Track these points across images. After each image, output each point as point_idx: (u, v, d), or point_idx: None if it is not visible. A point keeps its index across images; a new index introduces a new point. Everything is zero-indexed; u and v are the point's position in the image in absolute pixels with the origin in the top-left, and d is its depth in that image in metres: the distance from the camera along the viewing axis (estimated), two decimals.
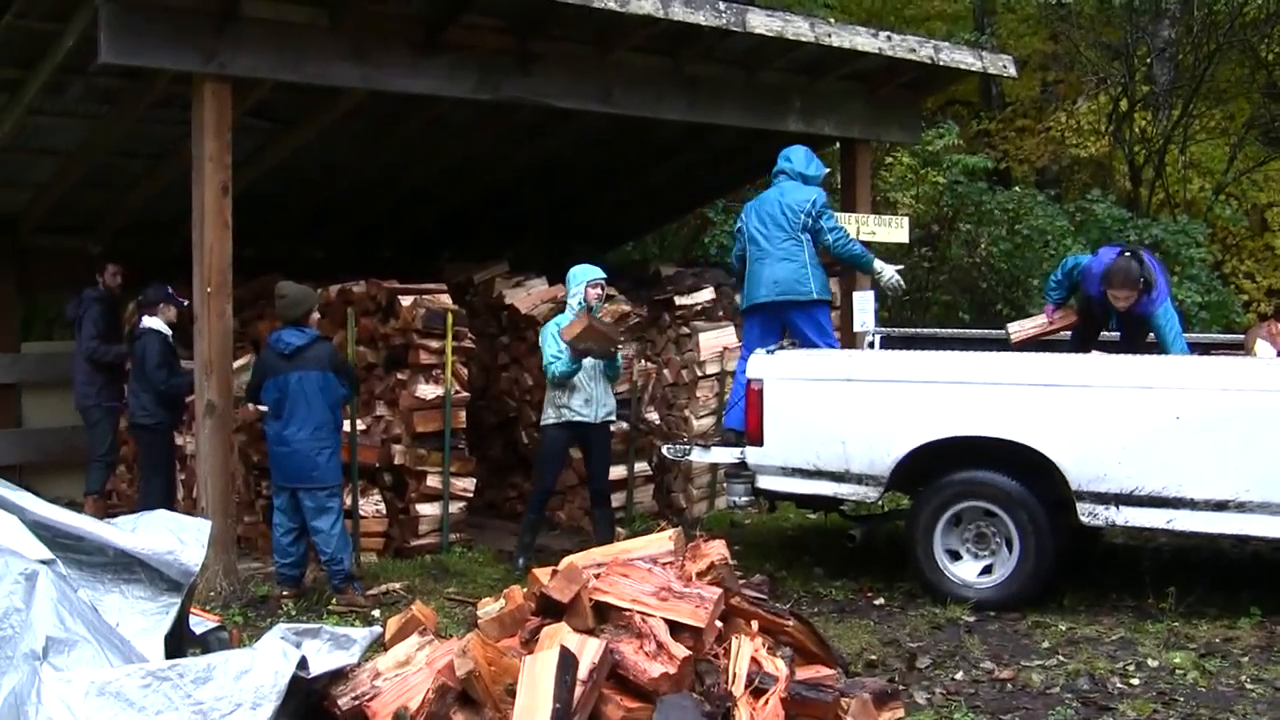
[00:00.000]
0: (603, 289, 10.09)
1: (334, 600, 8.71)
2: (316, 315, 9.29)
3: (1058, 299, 9.98)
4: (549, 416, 9.91)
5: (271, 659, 4.68)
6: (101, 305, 11.12)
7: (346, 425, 9.64)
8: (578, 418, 9.80)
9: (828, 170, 10.33)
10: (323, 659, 5.18)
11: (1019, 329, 10.24)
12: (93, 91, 9.93)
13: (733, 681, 5.19)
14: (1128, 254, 9.43)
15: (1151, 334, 9.31)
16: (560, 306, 10.69)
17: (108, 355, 10.92)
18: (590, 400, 9.81)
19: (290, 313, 8.97)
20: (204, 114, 8.73)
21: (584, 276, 9.92)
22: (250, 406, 9.59)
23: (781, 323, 9.76)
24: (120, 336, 10.93)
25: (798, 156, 9.98)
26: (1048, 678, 7.03)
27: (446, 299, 10.52)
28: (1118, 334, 9.76)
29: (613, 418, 10.12)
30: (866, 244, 11.14)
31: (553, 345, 9.70)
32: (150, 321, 10.28)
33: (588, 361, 9.71)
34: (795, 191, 9.79)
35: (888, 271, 9.88)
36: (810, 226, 9.60)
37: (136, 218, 12.30)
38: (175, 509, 9.53)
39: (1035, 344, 9.94)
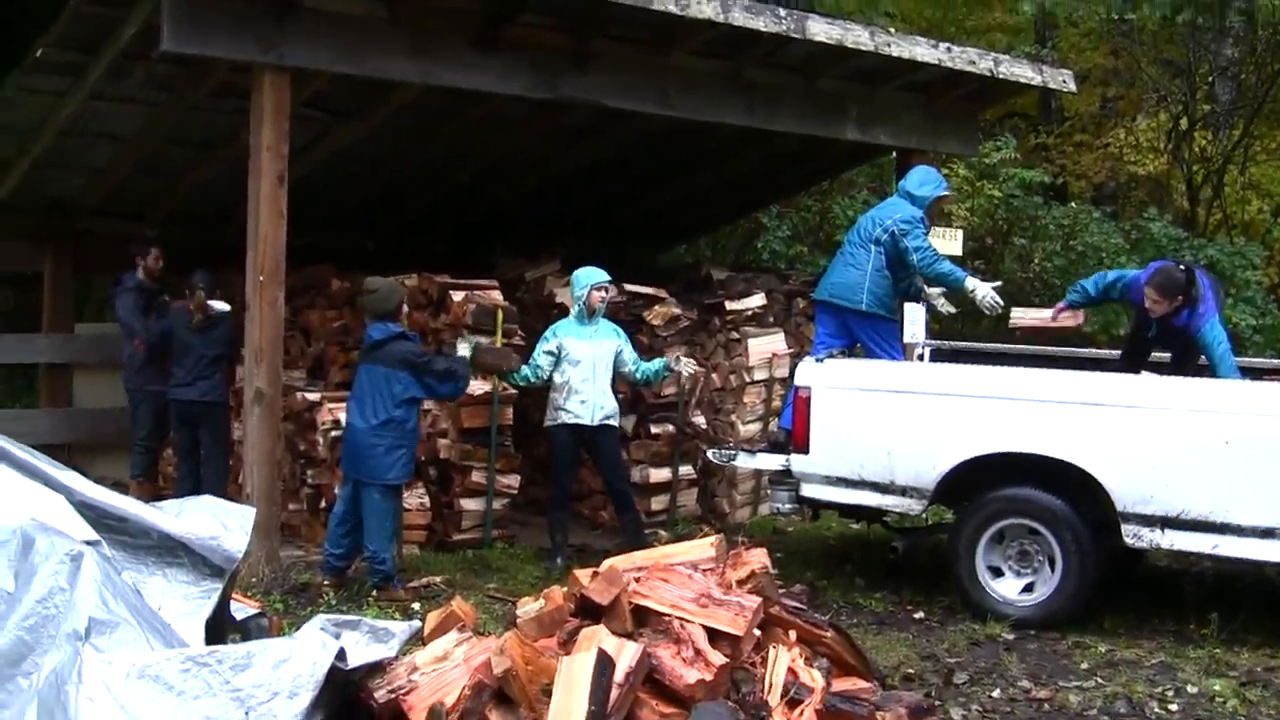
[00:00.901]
0: (608, 291, 10.13)
1: (374, 594, 8.74)
2: (405, 309, 9.35)
3: (1073, 301, 9.90)
4: (549, 418, 10.02)
5: (310, 649, 4.69)
6: (134, 294, 11.14)
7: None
8: (573, 419, 9.84)
9: (946, 193, 10.29)
10: (361, 651, 5.19)
11: (1021, 316, 10.16)
12: (152, 78, 9.99)
13: (769, 691, 5.17)
14: (1180, 266, 9.36)
15: (1203, 355, 9.23)
16: (611, 305, 10.69)
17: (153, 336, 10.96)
18: (586, 402, 9.84)
19: (379, 307, 9.04)
20: (262, 104, 8.80)
21: (589, 279, 9.96)
22: None
23: (849, 327, 9.79)
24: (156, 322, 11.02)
25: (913, 174, 10.10)
26: (1085, 699, 6.98)
27: (498, 295, 10.55)
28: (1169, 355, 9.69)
29: (612, 421, 10.11)
30: None
31: (538, 349, 9.95)
32: (221, 305, 10.39)
33: (587, 363, 9.82)
34: (888, 206, 9.96)
35: (981, 289, 9.70)
36: (885, 242, 9.58)
37: (183, 207, 12.39)
38: (226, 493, 9.63)
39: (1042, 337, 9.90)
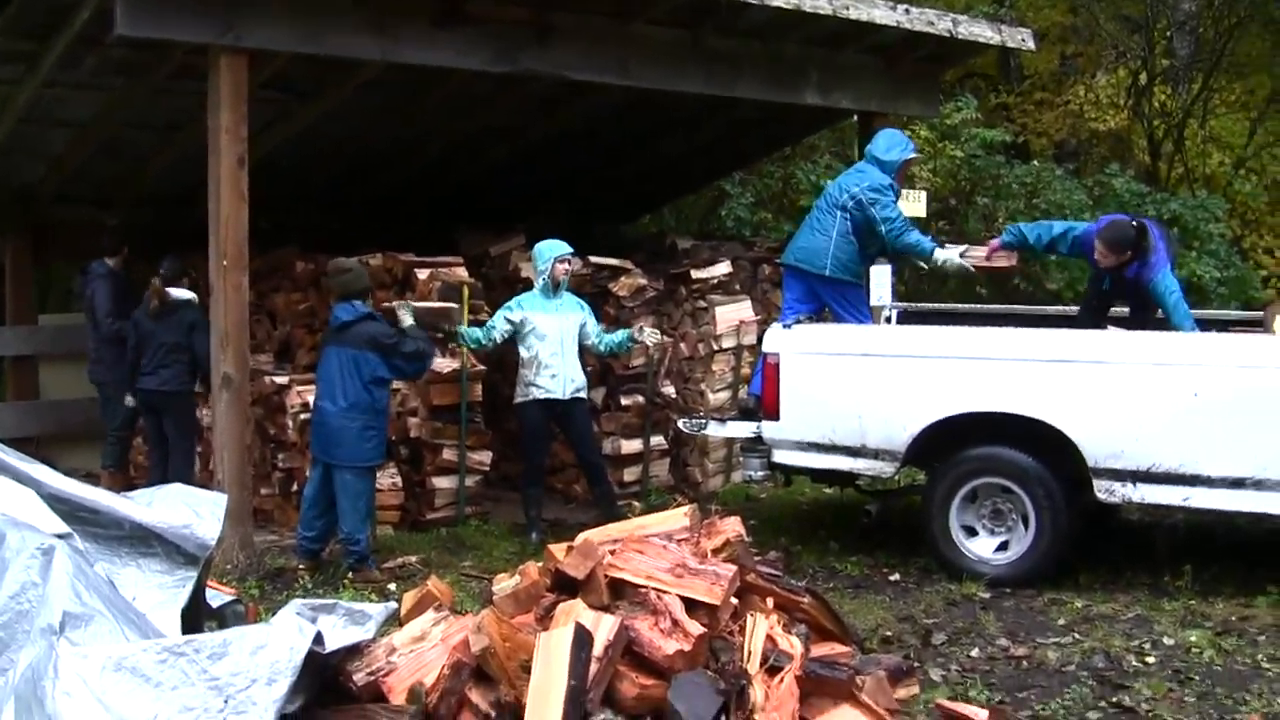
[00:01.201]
0: (570, 263, 10.12)
1: (350, 576, 8.72)
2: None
3: (1007, 242, 9.89)
4: (519, 395, 9.98)
5: (287, 634, 4.67)
6: (109, 281, 11.07)
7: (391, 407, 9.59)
8: (545, 394, 9.83)
9: (914, 155, 10.28)
10: (338, 634, 5.17)
11: (951, 252, 10.03)
12: (108, 63, 9.89)
13: (748, 659, 5.18)
14: (1132, 220, 9.42)
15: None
16: (577, 279, 10.68)
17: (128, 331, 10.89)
18: (558, 376, 9.84)
19: (347, 288, 9.00)
20: (220, 86, 8.72)
21: (551, 253, 9.93)
22: None
23: (816, 292, 9.79)
24: (128, 312, 10.96)
25: (879, 138, 10.06)
26: (1063, 655, 7.02)
27: (463, 272, 10.51)
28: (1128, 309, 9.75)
29: (582, 394, 10.12)
30: None
31: (496, 317, 9.93)
32: (182, 292, 10.30)
33: (554, 337, 9.81)
34: (855, 173, 9.96)
35: (952, 260, 9.76)
36: (852, 209, 9.58)
37: (152, 190, 12.29)
38: (192, 481, 9.58)
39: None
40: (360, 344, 8.79)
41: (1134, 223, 9.34)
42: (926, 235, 9.99)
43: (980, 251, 10.03)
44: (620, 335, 10.27)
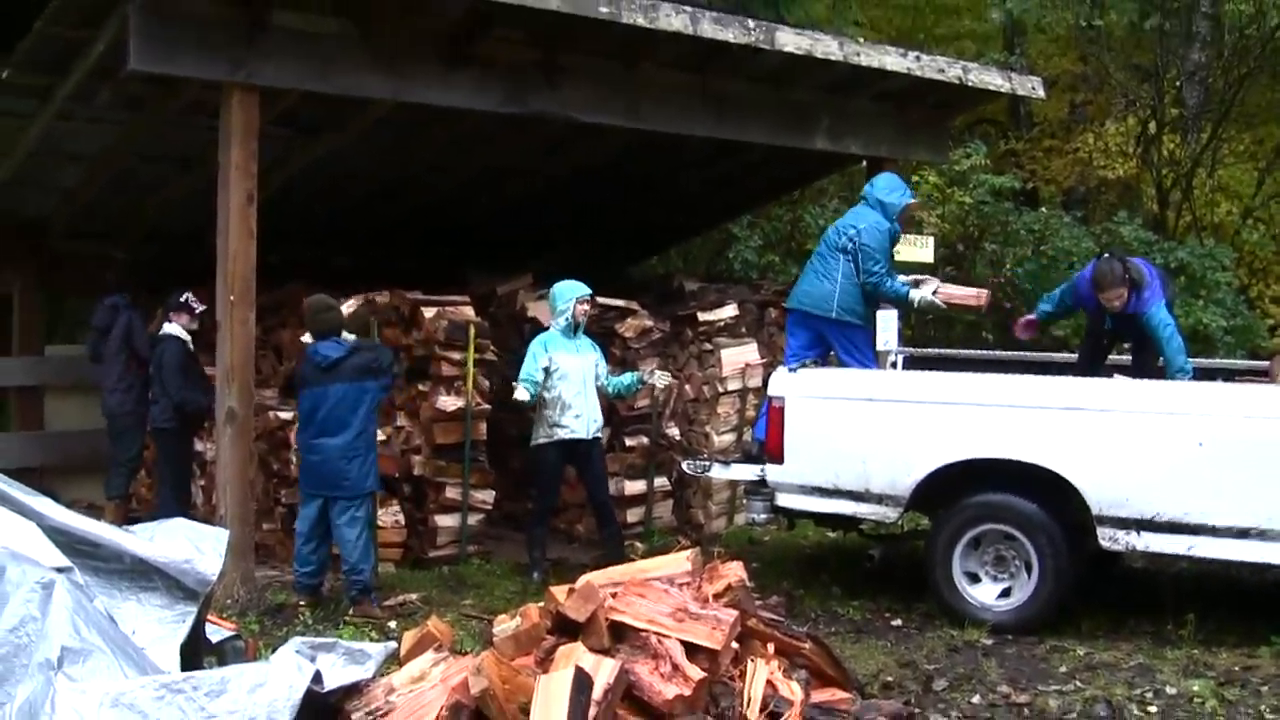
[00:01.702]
0: (591, 304, 10.11)
1: (350, 611, 8.70)
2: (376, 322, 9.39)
3: (1043, 313, 10.09)
4: (540, 436, 9.93)
5: (286, 673, 4.67)
6: (138, 313, 11.11)
7: (380, 435, 9.59)
8: (570, 435, 9.83)
9: (913, 201, 10.32)
10: (337, 673, 5.17)
11: (946, 290, 10.14)
12: (120, 97, 9.95)
13: (748, 705, 5.17)
14: (1106, 255, 9.50)
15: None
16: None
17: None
18: (581, 416, 9.84)
19: (327, 324, 8.99)
20: (231, 122, 8.77)
21: (572, 294, 9.93)
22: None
23: (822, 336, 9.80)
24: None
25: (880, 182, 10.11)
26: (1064, 703, 6.99)
27: (469, 310, 10.53)
28: (1129, 357, 9.75)
29: (600, 434, 10.14)
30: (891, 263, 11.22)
31: (532, 363, 9.78)
32: (170, 328, 10.34)
33: (576, 377, 9.80)
34: (854, 215, 9.94)
35: (924, 296, 9.80)
36: (851, 251, 9.60)
37: (160, 225, 12.35)
38: (188, 514, 9.58)
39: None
40: (357, 376, 8.82)
41: (1107, 255, 9.51)
42: (899, 277, 10.00)
43: (953, 289, 10.11)
44: (629, 378, 10.29)
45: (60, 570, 4.76)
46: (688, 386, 11.90)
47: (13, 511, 5.15)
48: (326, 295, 9.31)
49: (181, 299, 10.45)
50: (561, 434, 9.82)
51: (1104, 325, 9.61)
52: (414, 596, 9.21)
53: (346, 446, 8.76)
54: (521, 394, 9.69)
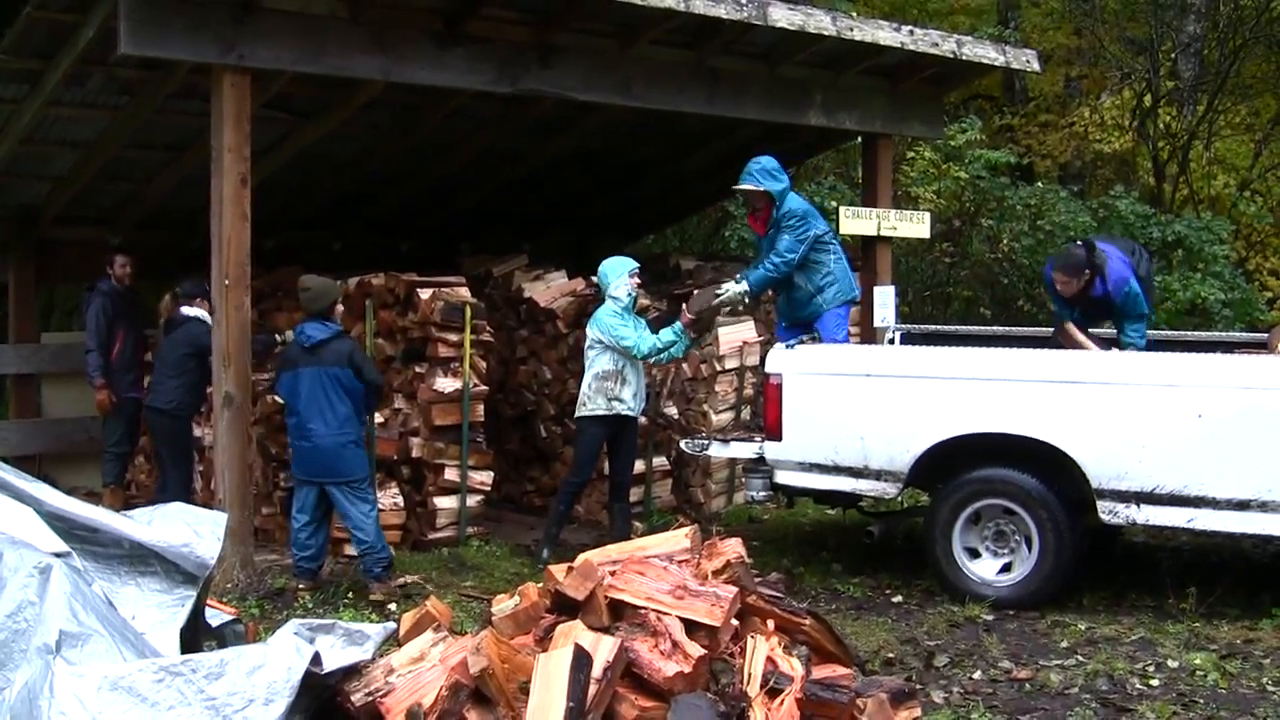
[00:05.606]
0: (640, 277, 10.08)
1: (372, 589, 8.65)
2: (340, 308, 9.28)
3: (1060, 314, 9.94)
4: (597, 408, 9.76)
5: (285, 655, 4.66)
6: (105, 299, 11.04)
7: (378, 417, 9.53)
8: (627, 410, 9.78)
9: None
10: (336, 654, 5.16)
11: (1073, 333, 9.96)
12: (112, 82, 9.93)
13: (748, 681, 5.15)
14: (1079, 243, 9.58)
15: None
16: (580, 299, 10.65)
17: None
18: (636, 394, 9.83)
19: (314, 305, 8.93)
20: (223, 105, 8.74)
21: (623, 268, 9.88)
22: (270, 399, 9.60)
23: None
24: (129, 329, 10.95)
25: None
26: (1066, 678, 6.99)
27: (465, 292, 10.50)
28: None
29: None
30: (887, 239, 11.26)
31: (636, 325, 9.74)
32: (194, 310, 10.18)
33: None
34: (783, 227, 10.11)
35: (729, 291, 9.94)
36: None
37: (156, 210, 12.31)
38: (192, 500, 9.56)
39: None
40: (339, 360, 8.74)
41: (1079, 244, 9.49)
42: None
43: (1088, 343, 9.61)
44: (670, 336, 10.06)
45: (58, 555, 4.76)
46: (685, 365, 11.87)
47: (10, 497, 5.15)
48: (315, 274, 9.25)
49: (205, 287, 10.38)
50: (620, 409, 9.73)
51: (1070, 316, 9.56)
52: (414, 578, 9.18)
53: (335, 432, 8.70)
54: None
